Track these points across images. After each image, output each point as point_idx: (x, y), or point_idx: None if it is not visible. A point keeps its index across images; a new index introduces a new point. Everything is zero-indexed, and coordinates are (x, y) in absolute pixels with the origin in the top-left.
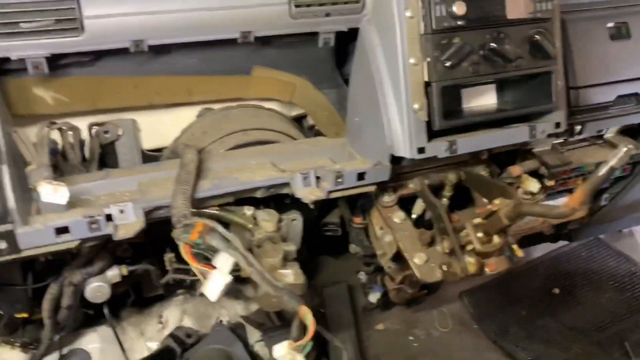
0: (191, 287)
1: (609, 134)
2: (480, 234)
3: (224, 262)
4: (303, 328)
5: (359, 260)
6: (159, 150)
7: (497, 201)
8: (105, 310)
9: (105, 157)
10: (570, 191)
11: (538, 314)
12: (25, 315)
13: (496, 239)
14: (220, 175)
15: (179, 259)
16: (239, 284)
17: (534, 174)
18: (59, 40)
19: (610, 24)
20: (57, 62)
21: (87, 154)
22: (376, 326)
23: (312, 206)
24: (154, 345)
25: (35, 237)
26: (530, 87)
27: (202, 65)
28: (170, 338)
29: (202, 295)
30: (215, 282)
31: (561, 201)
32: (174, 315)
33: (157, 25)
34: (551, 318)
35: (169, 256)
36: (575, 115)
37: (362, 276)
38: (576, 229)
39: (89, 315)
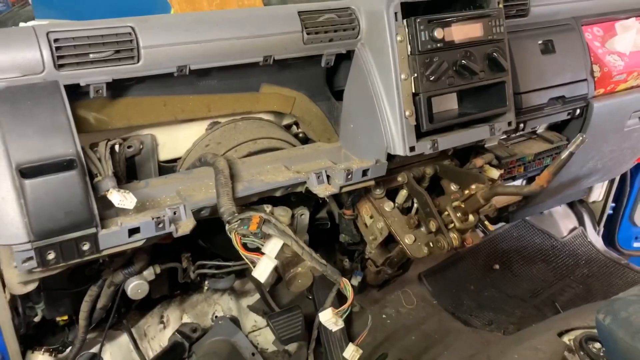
0: (199, 285)
1: (540, 130)
2: (459, 214)
3: (272, 248)
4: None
5: (338, 251)
6: (172, 161)
7: (473, 186)
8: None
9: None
10: (513, 178)
11: (484, 287)
12: (65, 317)
13: (471, 218)
14: (246, 179)
15: (194, 258)
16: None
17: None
18: (119, 67)
19: (540, 41)
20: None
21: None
22: (353, 309)
23: (327, 200)
24: (156, 345)
25: (112, 238)
26: (487, 94)
27: (220, 85)
28: (177, 334)
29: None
30: (264, 266)
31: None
32: (174, 315)
33: (198, 52)
34: (495, 289)
35: (185, 255)
36: (519, 115)
37: (346, 263)
38: (513, 211)
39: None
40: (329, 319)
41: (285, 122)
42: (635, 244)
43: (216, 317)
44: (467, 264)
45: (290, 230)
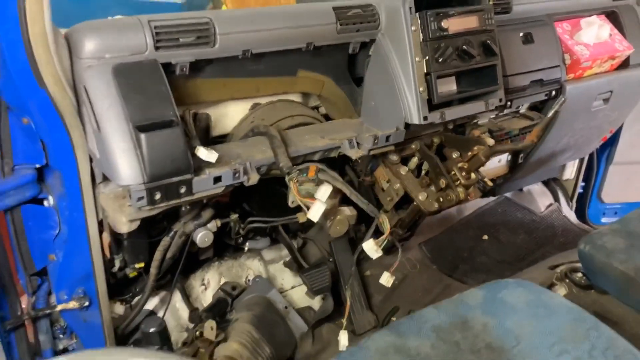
0: (237, 248)
1: (522, 110)
2: (463, 173)
3: (323, 193)
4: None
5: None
6: (221, 136)
7: (475, 148)
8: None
9: None
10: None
11: (476, 254)
12: (142, 265)
13: (473, 175)
14: (293, 144)
15: (241, 219)
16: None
17: None
18: (200, 50)
19: (521, 34)
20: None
21: None
22: (365, 273)
23: (360, 161)
24: (198, 304)
25: (202, 184)
26: (482, 75)
27: (266, 69)
28: (220, 291)
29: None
30: (317, 208)
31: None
32: (213, 278)
33: (259, 39)
34: (485, 256)
35: (233, 217)
36: (506, 94)
37: (363, 228)
38: (499, 184)
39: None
40: (371, 247)
41: (310, 105)
42: (603, 219)
43: (249, 280)
44: (459, 235)
45: (340, 177)
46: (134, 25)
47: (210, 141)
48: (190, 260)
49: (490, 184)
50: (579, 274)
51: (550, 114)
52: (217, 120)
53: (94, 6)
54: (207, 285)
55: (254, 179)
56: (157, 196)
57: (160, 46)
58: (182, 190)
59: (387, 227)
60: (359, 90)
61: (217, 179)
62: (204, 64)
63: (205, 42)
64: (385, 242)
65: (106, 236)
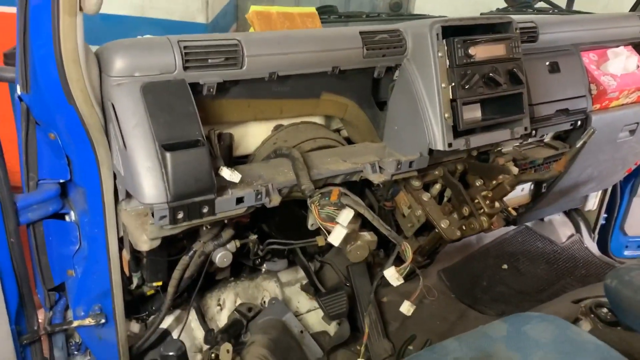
0: (254, 269)
1: (547, 139)
2: (487, 202)
3: (344, 218)
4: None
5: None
6: (242, 156)
7: (500, 176)
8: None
9: None
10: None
11: (495, 283)
12: (160, 283)
13: (497, 204)
14: (315, 167)
15: (260, 240)
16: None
17: None
18: (228, 71)
19: (547, 63)
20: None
21: None
22: (382, 299)
23: (381, 186)
24: (214, 325)
25: (224, 204)
26: (507, 103)
27: (290, 91)
28: (236, 312)
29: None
30: (337, 232)
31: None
32: (229, 298)
33: (286, 62)
34: (504, 286)
35: (252, 237)
36: (532, 123)
37: (381, 253)
38: (521, 213)
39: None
40: (392, 274)
41: (332, 128)
42: (626, 252)
43: (265, 301)
44: (479, 264)
45: (362, 202)
46: (164, 45)
47: (232, 161)
48: (207, 280)
49: (514, 213)
50: (605, 309)
51: (579, 144)
52: (240, 141)
53: (122, 26)
54: (223, 305)
55: (275, 200)
56: (180, 215)
57: (189, 66)
58: (205, 210)
59: (409, 255)
60: (381, 115)
61: (240, 200)
62: (230, 85)
63: (233, 63)
64: (407, 270)
65: (125, 254)
